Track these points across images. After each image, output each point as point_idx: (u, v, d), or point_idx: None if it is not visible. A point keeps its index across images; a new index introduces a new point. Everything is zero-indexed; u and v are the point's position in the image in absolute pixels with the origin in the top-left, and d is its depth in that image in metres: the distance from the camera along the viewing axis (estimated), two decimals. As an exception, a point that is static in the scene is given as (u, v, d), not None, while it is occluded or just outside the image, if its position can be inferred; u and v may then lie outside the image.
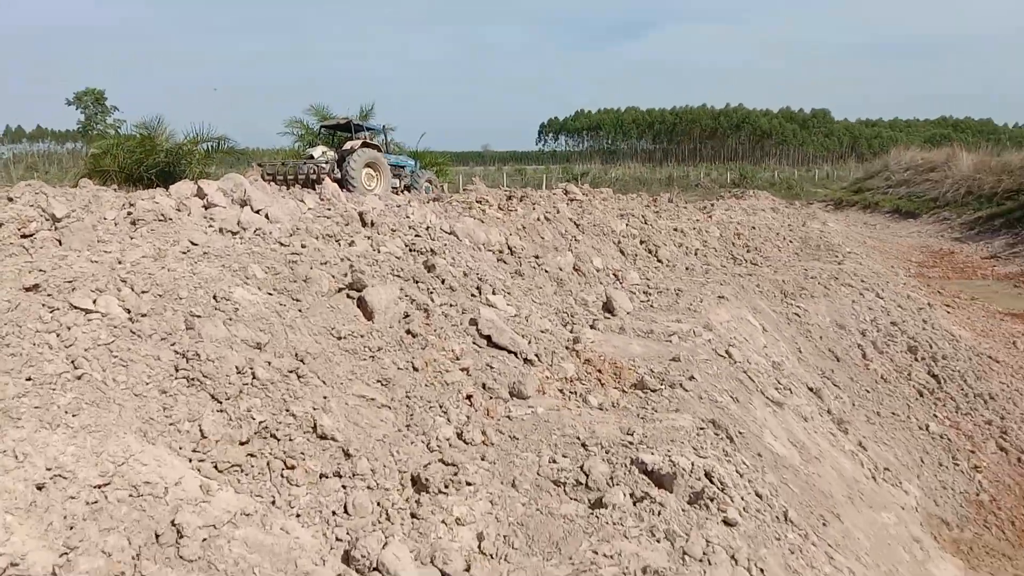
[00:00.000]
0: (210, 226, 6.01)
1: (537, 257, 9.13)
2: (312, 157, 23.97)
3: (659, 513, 3.50)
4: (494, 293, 6.77)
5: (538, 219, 10.82)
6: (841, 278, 14.10)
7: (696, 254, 13.78)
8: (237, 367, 3.45)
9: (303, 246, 5.78)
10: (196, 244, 5.52)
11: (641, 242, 12.73)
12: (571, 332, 7.12)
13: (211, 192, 6.42)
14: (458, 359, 5.02)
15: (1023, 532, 9.58)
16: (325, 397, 3.65)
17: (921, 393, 11.59)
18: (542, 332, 6.50)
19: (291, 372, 3.64)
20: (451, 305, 6.00)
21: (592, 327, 7.57)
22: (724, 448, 4.64)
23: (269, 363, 3.63)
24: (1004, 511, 10.19)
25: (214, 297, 4.02)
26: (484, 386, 4.90)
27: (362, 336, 4.53)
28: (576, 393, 5.45)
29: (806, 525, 4.60)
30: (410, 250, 6.80)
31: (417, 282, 6.09)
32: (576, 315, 7.90)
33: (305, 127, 33.42)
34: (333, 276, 5.04)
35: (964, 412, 11.44)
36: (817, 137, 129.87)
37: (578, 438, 4.39)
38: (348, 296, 5.08)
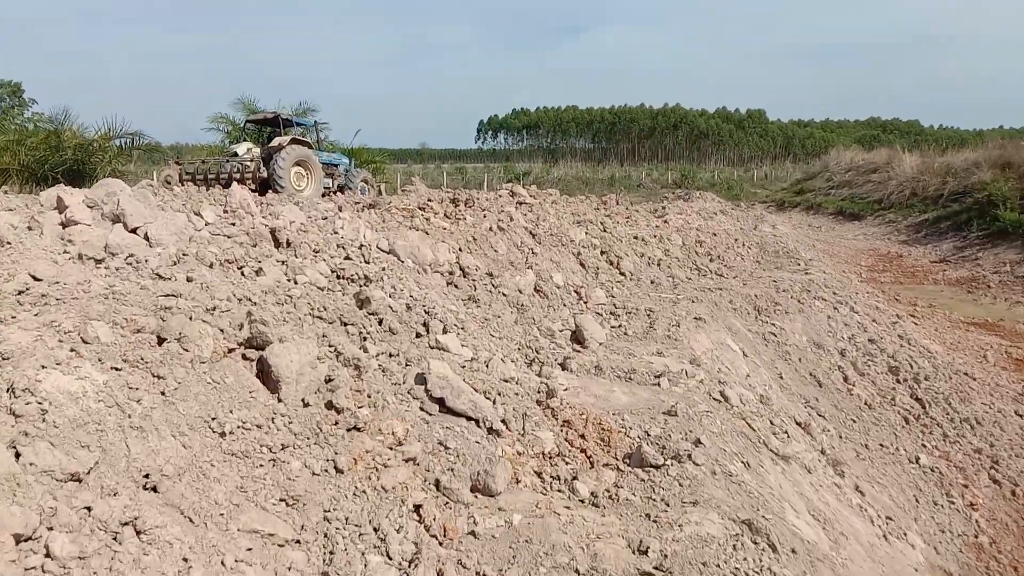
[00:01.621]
0: (65, 252, 4.45)
1: (491, 276, 7.75)
2: (236, 155, 22.16)
3: None
4: (445, 331, 5.35)
5: (490, 229, 9.43)
6: (813, 290, 13.09)
7: (659, 265, 12.57)
8: (17, 536, 1.96)
9: (189, 279, 4.26)
10: (39, 280, 3.97)
11: (602, 252, 11.46)
12: (540, 377, 5.75)
13: (73, 204, 4.85)
14: (401, 444, 3.59)
15: (1029, 581, 8.67)
16: (186, 560, 2.21)
17: (907, 420, 10.63)
18: (506, 382, 5.11)
19: (126, 524, 2.17)
20: (391, 355, 4.56)
21: (563, 367, 6.23)
22: (770, 567, 3.35)
23: (89, 511, 2.16)
24: (1005, 554, 9.25)
25: (10, 391, 2.50)
26: (438, 485, 3.48)
27: (259, 426, 3.07)
28: (559, 478, 4.08)
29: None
30: (338, 277, 5.32)
31: (346, 324, 4.63)
32: (542, 350, 6.54)
33: (232, 123, 31.36)
34: (222, 330, 3.55)
35: (952, 440, 10.50)
36: (752, 137, 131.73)
37: (577, 572, 3.02)
38: (245, 357, 3.60)
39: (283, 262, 5.11)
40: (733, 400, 6.50)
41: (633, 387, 5.90)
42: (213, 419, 2.95)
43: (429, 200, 11.86)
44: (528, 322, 7.11)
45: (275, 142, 21.51)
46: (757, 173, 76.37)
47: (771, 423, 7.41)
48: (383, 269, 5.66)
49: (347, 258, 5.56)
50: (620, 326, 8.16)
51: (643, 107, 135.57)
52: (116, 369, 2.87)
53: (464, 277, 6.98)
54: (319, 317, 4.47)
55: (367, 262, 5.75)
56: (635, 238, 13.01)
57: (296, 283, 4.88)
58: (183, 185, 20.41)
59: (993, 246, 26.18)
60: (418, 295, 5.60)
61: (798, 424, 8.57)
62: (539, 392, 5.24)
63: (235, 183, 8.30)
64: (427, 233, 8.15)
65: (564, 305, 8.45)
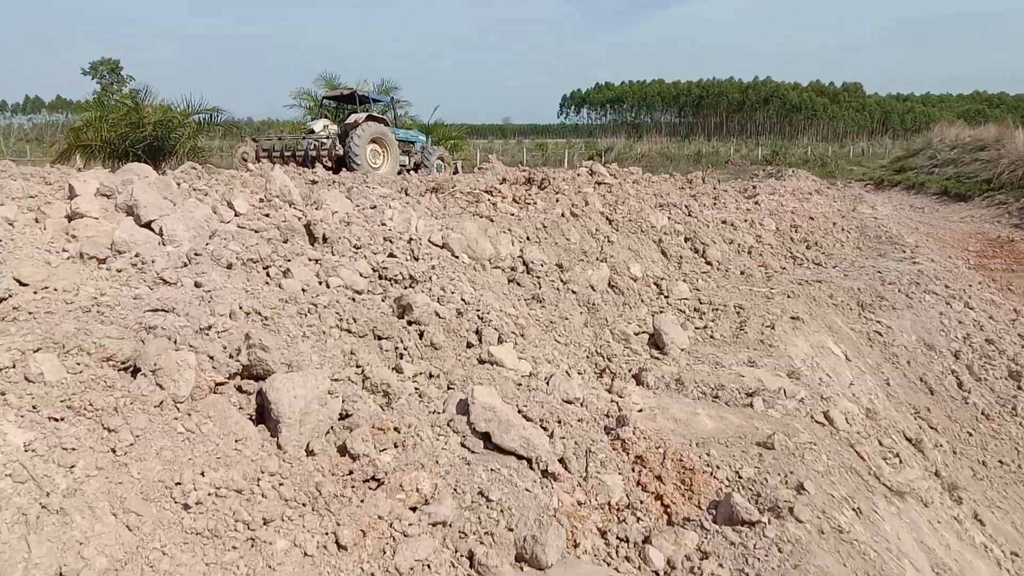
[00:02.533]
0: (64, 249, 3.90)
1: (561, 269, 6.97)
2: (312, 131, 21.98)
3: None
4: (500, 341, 4.62)
5: (562, 215, 8.63)
6: (922, 282, 11.82)
7: (750, 253, 11.52)
8: None
9: (197, 285, 3.65)
10: (24, 284, 3.42)
11: (686, 239, 10.51)
12: (611, 393, 4.97)
13: (82, 193, 4.30)
14: (428, 502, 2.88)
15: None
16: None
17: (1031, 433, 9.41)
18: (569, 403, 4.35)
19: None
20: (431, 376, 3.86)
21: (639, 380, 5.42)
22: None
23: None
24: None
25: None
26: (471, 559, 2.76)
27: (239, 491, 2.39)
28: (628, 540, 3.30)
29: None
30: (380, 278, 4.65)
31: (380, 338, 3.94)
32: (615, 358, 5.74)
33: (313, 98, 31.37)
34: (212, 357, 2.90)
35: (1084, 460, 9.21)
36: (848, 112, 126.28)
37: None
38: (241, 391, 2.95)
39: (316, 261, 4.46)
40: (839, 422, 5.57)
41: (721, 408, 5.05)
42: (177, 484, 2.29)
43: (503, 181, 11.14)
44: (600, 324, 6.31)
45: (351, 119, 21.23)
46: (853, 149, 72.69)
47: (880, 443, 6.44)
48: (432, 267, 4.95)
49: (391, 255, 4.86)
50: (706, 327, 7.27)
51: (732, 80, 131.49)
52: (55, 420, 2.25)
53: (528, 273, 6.22)
54: (347, 330, 3.79)
55: (416, 259, 5.05)
56: (723, 223, 11.98)
57: (328, 287, 4.22)
58: (259, 162, 20.31)
59: (1122, 231, 23.84)
60: (472, 297, 4.88)
61: (908, 440, 7.56)
62: (608, 416, 4.46)
63: (277, 166, 7.74)
64: (492, 220, 7.43)
65: (642, 301, 7.60)
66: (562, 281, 6.56)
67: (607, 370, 5.52)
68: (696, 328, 7.20)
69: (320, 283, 4.23)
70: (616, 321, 6.58)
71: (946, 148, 43.99)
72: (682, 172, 26.95)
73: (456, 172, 23.09)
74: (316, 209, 5.21)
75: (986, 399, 9.67)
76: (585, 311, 6.32)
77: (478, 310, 4.78)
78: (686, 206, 11.77)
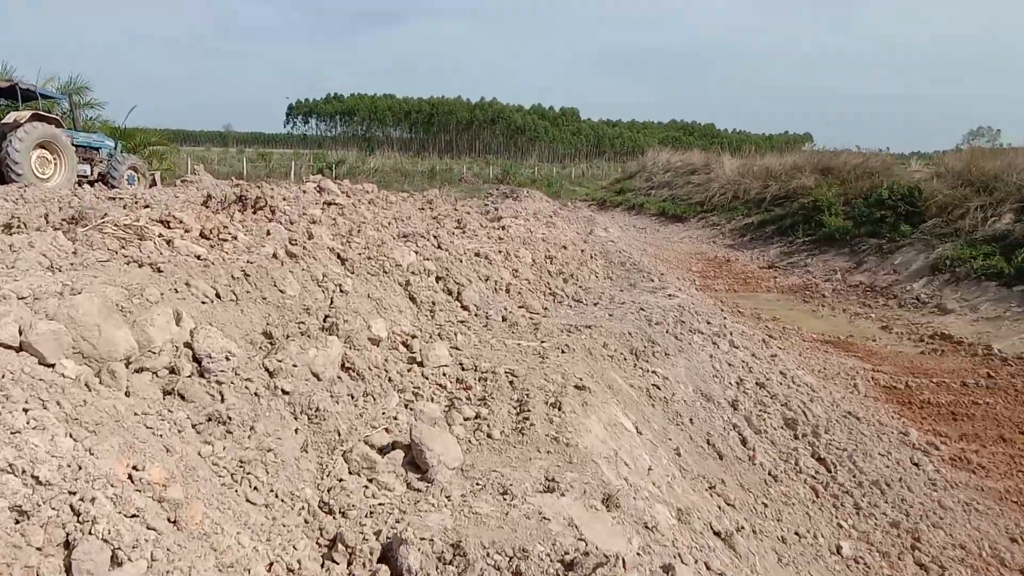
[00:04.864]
0: None
1: (271, 343, 4.59)
2: (-43, 132, 17.23)
3: None
4: (117, 563, 2.19)
5: (275, 255, 6.20)
6: (687, 321, 10.85)
7: (508, 291, 9.79)
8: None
9: None
10: None
11: (438, 279, 8.50)
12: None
13: None
14: None
15: None
16: None
17: (816, 491, 8.55)
18: None
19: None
20: None
21: (391, 563, 3.21)
22: None
23: None
24: (953, 676, 7.44)
25: None
26: None
27: None
28: None
29: None
30: None
31: None
32: (352, 511, 3.49)
33: (-27, 92, 25.56)
34: None
35: (866, 513, 8.48)
36: (566, 135, 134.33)
37: None
38: None
39: None
40: (688, 583, 3.77)
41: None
42: None
43: (208, 199, 8.45)
44: (328, 444, 4.00)
45: (10, 117, 17.00)
46: (574, 170, 76.41)
47: (708, 568, 4.81)
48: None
49: None
50: (478, 416, 5.21)
51: (460, 100, 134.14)
52: None
53: (201, 376, 3.73)
54: None
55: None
56: (477, 255, 10.16)
57: None
58: None
59: (821, 252, 26.05)
60: (61, 467, 2.37)
61: (716, 534, 6.09)
62: None
63: None
64: (159, 271, 4.83)
65: (390, 381, 5.39)
66: (268, 373, 4.15)
67: (340, 543, 3.25)
68: (466, 420, 5.14)
69: None
70: (353, 430, 4.30)
71: (660, 171, 46.97)
72: (417, 189, 25.24)
73: (153, 184, 19.46)
74: None
75: (770, 456, 8.70)
76: (304, 424, 3.97)
77: (73, 493, 2.30)
78: (435, 236, 9.78)
